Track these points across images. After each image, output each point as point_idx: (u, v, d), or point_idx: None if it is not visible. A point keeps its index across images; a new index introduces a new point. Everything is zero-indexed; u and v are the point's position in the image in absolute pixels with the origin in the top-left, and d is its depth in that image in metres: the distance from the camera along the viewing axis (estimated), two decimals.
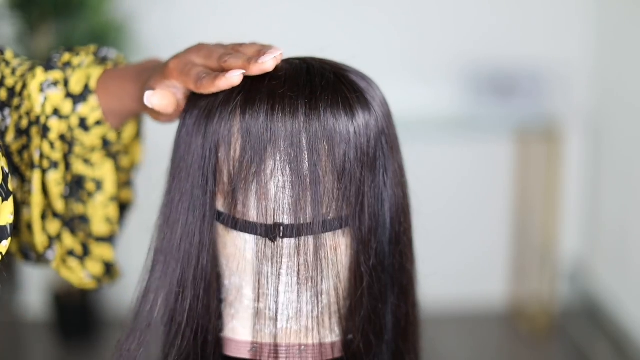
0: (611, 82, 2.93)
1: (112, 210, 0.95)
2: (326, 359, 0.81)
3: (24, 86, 0.89)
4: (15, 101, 0.89)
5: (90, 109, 0.89)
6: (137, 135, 0.98)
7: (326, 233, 0.78)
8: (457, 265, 3.10)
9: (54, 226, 0.92)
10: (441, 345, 2.83)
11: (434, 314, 2.99)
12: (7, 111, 0.89)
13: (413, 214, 0.85)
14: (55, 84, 0.89)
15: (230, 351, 0.81)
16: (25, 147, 0.90)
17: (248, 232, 0.78)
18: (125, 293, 3.16)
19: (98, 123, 0.90)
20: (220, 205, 0.79)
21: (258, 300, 0.79)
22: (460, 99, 2.96)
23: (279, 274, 0.78)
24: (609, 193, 2.93)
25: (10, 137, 0.90)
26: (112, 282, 0.99)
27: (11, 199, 0.80)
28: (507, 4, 2.97)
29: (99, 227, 0.95)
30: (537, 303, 2.98)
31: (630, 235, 2.76)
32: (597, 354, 2.82)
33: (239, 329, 0.81)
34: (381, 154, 0.79)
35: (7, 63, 0.92)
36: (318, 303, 0.80)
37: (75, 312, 2.86)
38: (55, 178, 0.90)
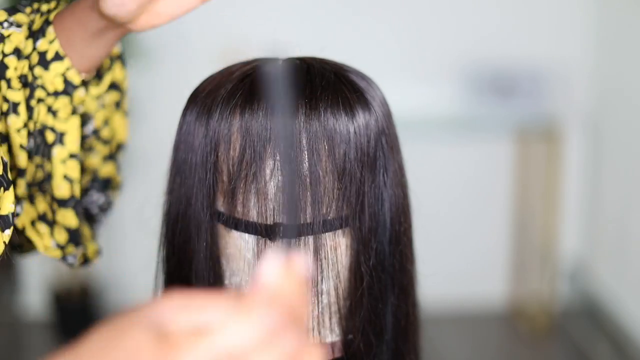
0: (611, 82, 2.93)
1: (72, 169, 0.89)
2: (326, 359, 0.81)
3: None
4: None
5: (48, 42, 0.85)
6: (118, 106, 0.95)
7: (326, 233, 0.78)
8: (457, 265, 3.10)
9: (20, 186, 0.88)
10: (441, 345, 2.83)
11: (434, 314, 2.98)
12: None
13: (413, 214, 0.85)
14: (18, 25, 0.85)
15: None
16: None
17: (248, 232, 0.78)
18: (125, 294, 3.16)
19: (57, 57, 0.85)
20: (220, 205, 0.79)
21: None
22: (461, 99, 2.96)
23: None
24: (609, 193, 2.93)
25: None
26: (82, 258, 0.93)
27: (12, 188, 0.78)
28: (508, 4, 2.97)
29: (58, 186, 0.90)
30: (537, 303, 2.98)
31: (631, 234, 2.76)
32: (597, 354, 2.82)
33: None
34: (381, 154, 0.79)
35: None
36: (318, 303, 0.80)
37: (75, 312, 2.86)
38: (15, 124, 0.85)
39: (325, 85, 0.77)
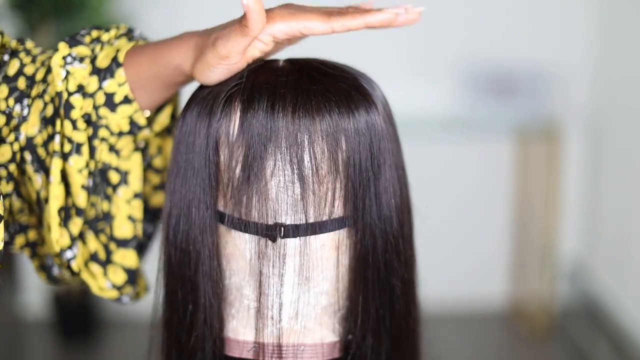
0: (611, 82, 2.93)
1: (136, 209, 0.89)
2: (326, 358, 0.81)
3: (48, 71, 0.84)
4: (38, 88, 0.84)
5: (118, 84, 0.83)
6: (169, 132, 0.93)
7: (327, 233, 0.78)
8: (457, 265, 3.10)
9: (76, 224, 0.86)
10: (441, 345, 2.83)
11: (435, 313, 2.98)
12: (25, 102, 0.84)
13: (414, 214, 0.85)
14: (81, 59, 0.83)
15: (232, 351, 0.81)
16: (52, 137, 0.84)
17: (249, 232, 0.78)
18: None
19: (126, 101, 0.83)
20: (221, 205, 0.79)
21: (259, 300, 0.79)
22: (461, 99, 2.97)
23: (280, 274, 0.78)
24: (609, 193, 2.93)
25: (34, 129, 0.84)
26: (136, 295, 0.92)
27: (2, 224, 0.76)
28: (508, 4, 2.97)
29: (120, 227, 0.89)
30: (537, 303, 2.98)
31: (630, 235, 2.76)
32: (597, 354, 2.82)
33: (239, 329, 0.81)
34: (382, 154, 0.79)
35: (28, 51, 0.86)
36: (318, 303, 0.80)
37: (75, 312, 2.86)
38: (77, 164, 0.84)
39: (327, 85, 0.77)
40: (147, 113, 0.86)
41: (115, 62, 0.83)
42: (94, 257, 0.89)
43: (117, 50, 0.84)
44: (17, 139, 0.84)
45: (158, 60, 0.81)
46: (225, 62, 0.77)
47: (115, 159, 0.87)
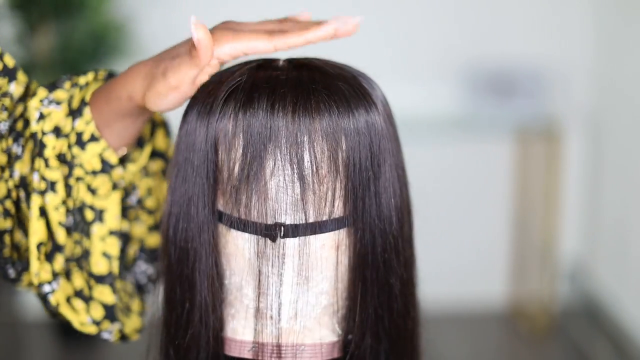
0: (611, 81, 2.93)
1: (111, 246, 0.90)
2: (326, 358, 0.81)
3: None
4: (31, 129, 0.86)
5: (85, 123, 0.85)
6: (165, 174, 0.95)
7: (327, 233, 0.78)
8: (457, 265, 3.10)
9: (58, 261, 0.88)
10: (441, 345, 2.83)
11: (434, 313, 2.98)
12: (20, 140, 0.86)
13: (413, 214, 0.85)
14: (58, 103, 0.85)
15: (231, 351, 0.81)
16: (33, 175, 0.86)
17: (248, 232, 0.78)
18: None
19: (93, 139, 0.85)
20: (220, 204, 0.79)
21: (258, 300, 0.79)
22: (460, 99, 2.97)
23: (280, 274, 0.78)
24: (609, 193, 2.93)
25: (27, 168, 0.86)
26: (119, 333, 0.92)
27: None
28: (507, 3, 2.97)
29: (97, 263, 0.90)
30: (537, 303, 2.98)
31: (630, 234, 2.76)
32: (596, 354, 2.83)
33: (239, 328, 0.81)
34: (382, 154, 0.79)
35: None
36: (318, 303, 0.80)
37: None
38: (52, 202, 0.86)
39: (327, 84, 0.78)
40: (124, 151, 0.88)
41: (83, 102, 0.85)
42: (78, 294, 0.90)
43: (87, 91, 0.86)
44: (11, 175, 0.86)
45: (112, 95, 0.83)
46: (176, 91, 0.79)
47: (90, 197, 0.88)
